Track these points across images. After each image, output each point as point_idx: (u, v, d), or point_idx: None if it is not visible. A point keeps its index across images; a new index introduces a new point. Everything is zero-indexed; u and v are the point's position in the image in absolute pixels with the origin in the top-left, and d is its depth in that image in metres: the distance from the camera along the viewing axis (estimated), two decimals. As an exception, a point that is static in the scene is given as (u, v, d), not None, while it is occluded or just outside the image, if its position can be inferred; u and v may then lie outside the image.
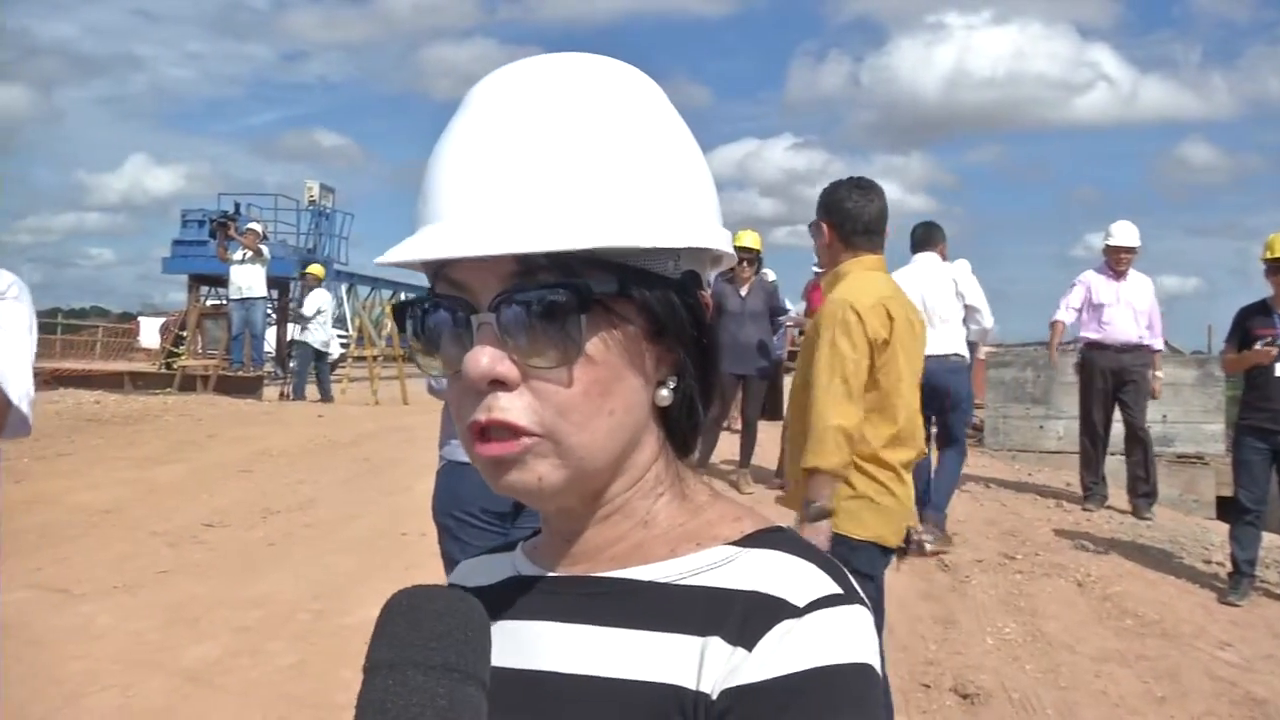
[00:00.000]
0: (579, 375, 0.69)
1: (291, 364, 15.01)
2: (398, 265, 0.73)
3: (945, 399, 6.43)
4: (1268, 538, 6.20)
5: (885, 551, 3.30)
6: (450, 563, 3.72)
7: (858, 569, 3.22)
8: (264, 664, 4.55)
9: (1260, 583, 5.93)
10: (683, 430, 0.79)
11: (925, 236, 6.84)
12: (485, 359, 0.68)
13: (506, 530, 3.62)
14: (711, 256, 0.79)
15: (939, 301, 6.52)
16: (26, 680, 4.29)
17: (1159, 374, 7.95)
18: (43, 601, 5.31)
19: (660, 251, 0.72)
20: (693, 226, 0.73)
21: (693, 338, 0.75)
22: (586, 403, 0.70)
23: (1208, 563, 6.48)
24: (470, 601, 0.64)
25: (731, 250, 0.79)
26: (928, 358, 5.92)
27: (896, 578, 3.48)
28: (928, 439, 6.54)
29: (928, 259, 6.73)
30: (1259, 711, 4.26)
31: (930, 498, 6.55)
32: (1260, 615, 5.52)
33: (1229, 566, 5.95)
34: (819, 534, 3.05)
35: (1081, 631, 5.14)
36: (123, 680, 4.32)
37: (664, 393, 0.75)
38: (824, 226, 3.38)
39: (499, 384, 0.69)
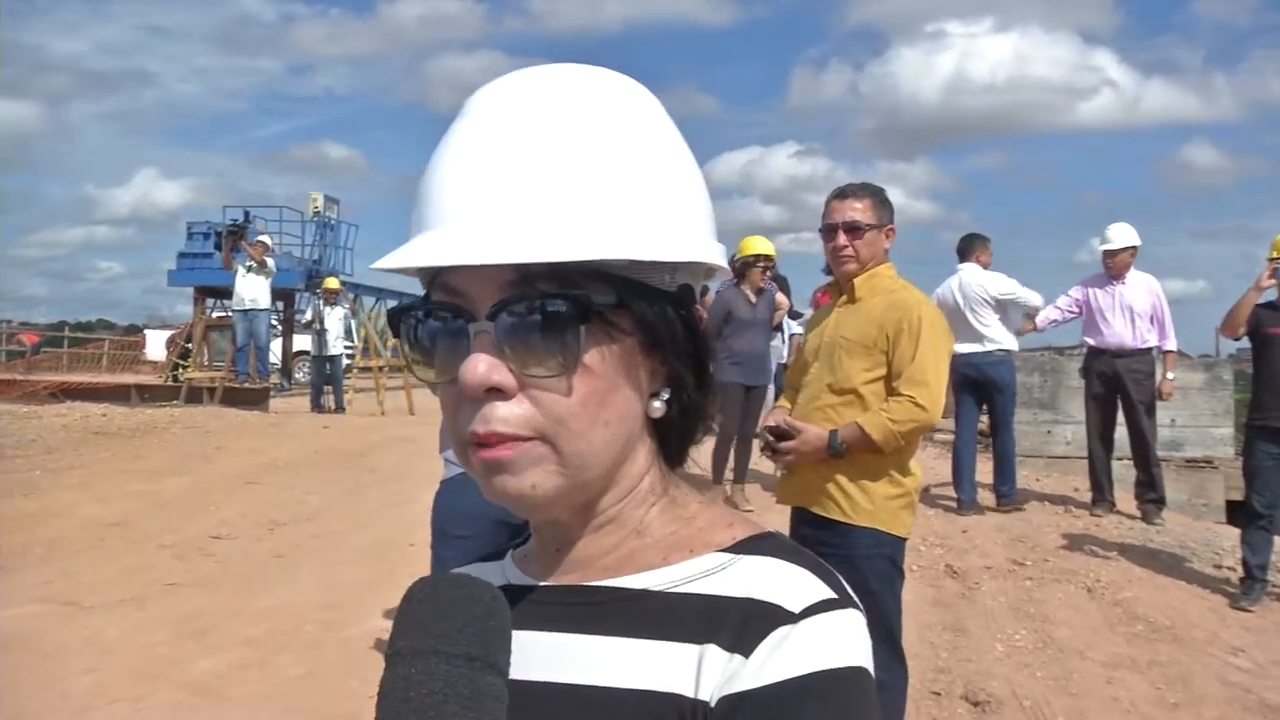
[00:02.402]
0: (576, 385, 0.69)
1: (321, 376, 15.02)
2: (394, 271, 0.72)
3: (991, 387, 7.68)
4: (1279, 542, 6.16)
5: None
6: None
7: (897, 565, 3.28)
8: (272, 676, 4.54)
9: (1272, 587, 5.88)
10: (675, 441, 0.80)
11: (965, 248, 7.93)
12: (482, 366, 0.68)
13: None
14: (705, 269, 0.78)
15: (977, 305, 7.65)
16: (36, 693, 4.29)
17: (1171, 375, 7.85)
18: (52, 615, 5.31)
19: (656, 265, 0.72)
20: (690, 240, 0.73)
21: (687, 351, 0.75)
22: (584, 412, 0.70)
23: (1218, 567, 6.44)
24: (492, 591, 0.65)
25: (725, 264, 0.79)
26: (974, 353, 7.53)
27: (905, 585, 3.47)
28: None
29: (969, 268, 7.79)
30: (1273, 718, 4.23)
31: (998, 486, 7.96)
32: (1273, 620, 5.48)
33: (1240, 571, 5.90)
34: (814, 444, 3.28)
35: (1092, 638, 5.12)
36: (132, 693, 4.31)
37: (657, 404, 0.75)
38: (892, 231, 3.47)
39: (496, 392, 0.69)
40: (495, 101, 0.72)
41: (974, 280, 7.71)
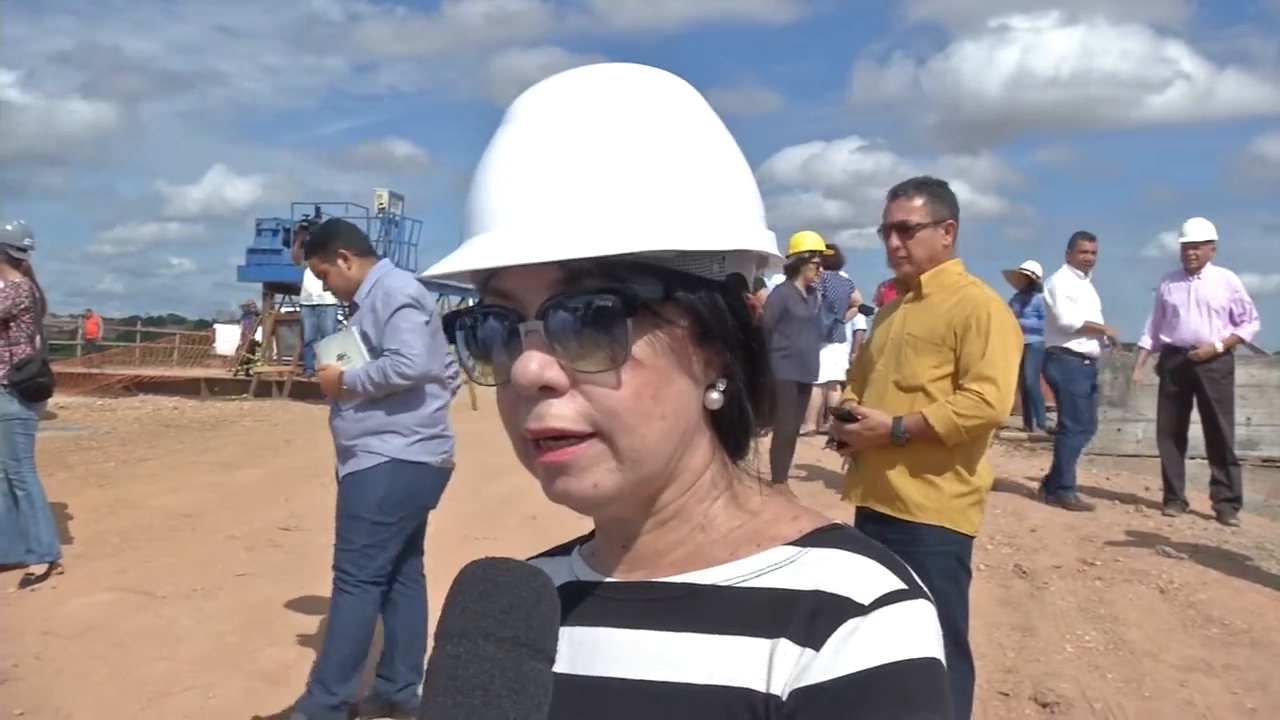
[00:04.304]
0: (628, 379, 0.69)
1: None
2: (444, 278, 0.74)
3: (1054, 386, 8.18)
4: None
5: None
6: (371, 557, 3.86)
7: (964, 563, 3.23)
8: (340, 666, 4.59)
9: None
10: (735, 433, 0.79)
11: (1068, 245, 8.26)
12: (534, 365, 0.69)
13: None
14: (757, 258, 0.78)
15: (1049, 301, 8.07)
16: (111, 680, 4.39)
17: (1220, 346, 7.48)
18: (126, 603, 5.43)
19: (703, 254, 0.72)
20: (734, 229, 0.73)
21: (739, 340, 0.75)
22: (637, 405, 0.70)
23: (1297, 570, 6.28)
24: (541, 576, 0.65)
25: (776, 251, 0.79)
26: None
27: (973, 584, 3.42)
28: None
29: (1065, 266, 8.15)
30: (1355, 725, 4.11)
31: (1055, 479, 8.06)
32: (1354, 625, 5.32)
33: (1320, 574, 5.75)
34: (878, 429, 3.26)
35: (1165, 640, 5.01)
36: (203, 681, 4.40)
37: (714, 395, 0.75)
38: (953, 225, 3.41)
39: (548, 390, 0.69)
40: (534, 106, 0.73)
41: (1054, 278, 8.16)
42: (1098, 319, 7.95)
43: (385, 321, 3.84)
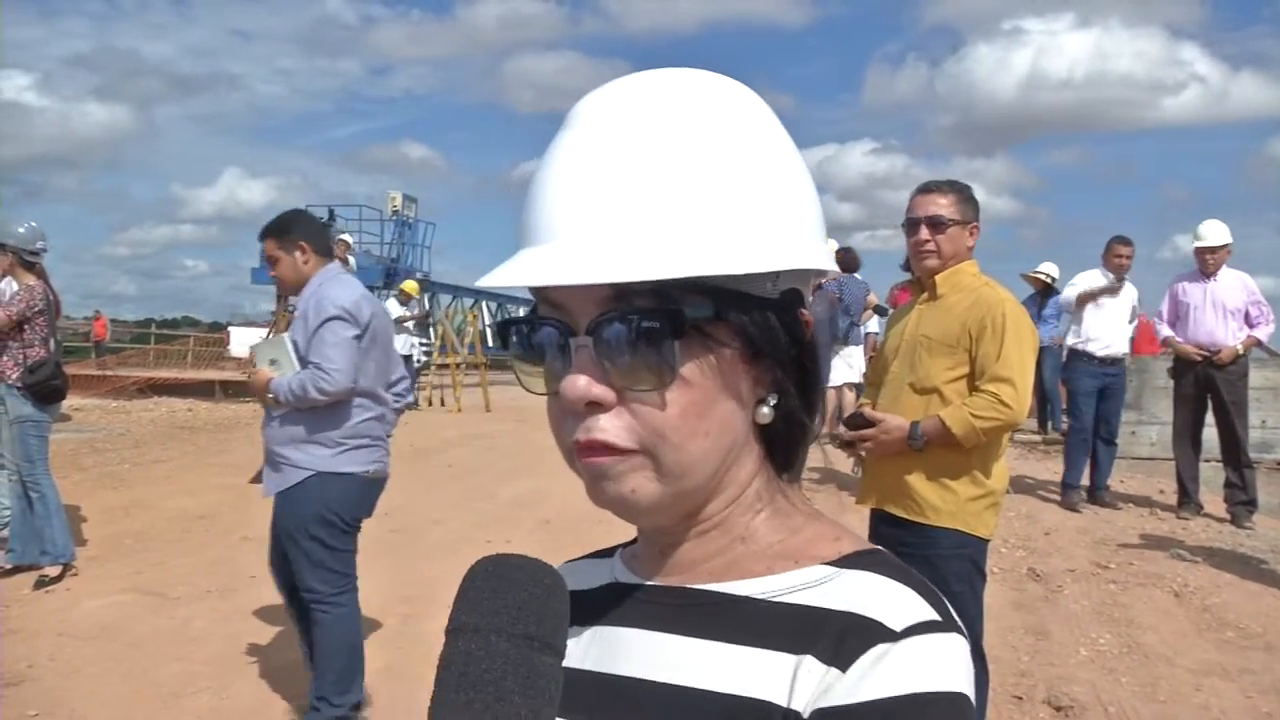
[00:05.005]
0: (675, 398, 0.69)
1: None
2: (500, 287, 0.73)
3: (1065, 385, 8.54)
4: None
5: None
6: (331, 568, 3.81)
7: (979, 566, 3.21)
8: (353, 668, 4.59)
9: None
10: (783, 448, 0.79)
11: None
12: (582, 381, 0.69)
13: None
14: (815, 271, 0.77)
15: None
16: (127, 681, 4.41)
17: (1240, 348, 7.48)
18: (141, 604, 5.46)
19: (758, 273, 0.71)
20: (790, 248, 0.72)
21: (791, 356, 0.74)
22: (683, 424, 0.70)
23: (1313, 574, 6.24)
24: (553, 574, 0.65)
25: (834, 266, 0.78)
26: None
27: (987, 587, 3.41)
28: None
29: (1098, 271, 8.14)
30: (1372, 729, 4.08)
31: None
32: (1371, 628, 5.28)
33: (1336, 578, 5.72)
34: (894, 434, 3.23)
35: (1180, 643, 4.99)
36: (218, 682, 4.42)
37: (764, 410, 0.74)
38: (976, 229, 3.41)
39: (596, 405, 0.70)
40: (597, 113, 0.72)
41: (1078, 275, 8.31)
42: (1121, 320, 7.97)
43: (312, 331, 3.73)
